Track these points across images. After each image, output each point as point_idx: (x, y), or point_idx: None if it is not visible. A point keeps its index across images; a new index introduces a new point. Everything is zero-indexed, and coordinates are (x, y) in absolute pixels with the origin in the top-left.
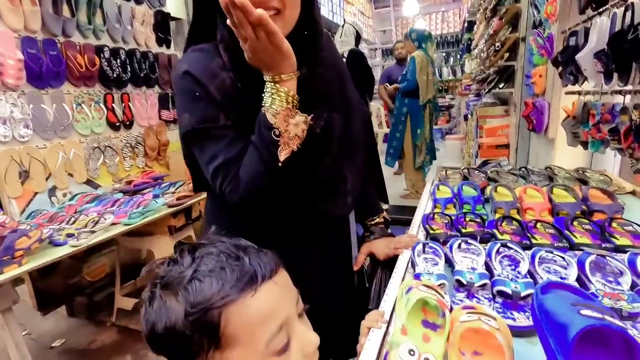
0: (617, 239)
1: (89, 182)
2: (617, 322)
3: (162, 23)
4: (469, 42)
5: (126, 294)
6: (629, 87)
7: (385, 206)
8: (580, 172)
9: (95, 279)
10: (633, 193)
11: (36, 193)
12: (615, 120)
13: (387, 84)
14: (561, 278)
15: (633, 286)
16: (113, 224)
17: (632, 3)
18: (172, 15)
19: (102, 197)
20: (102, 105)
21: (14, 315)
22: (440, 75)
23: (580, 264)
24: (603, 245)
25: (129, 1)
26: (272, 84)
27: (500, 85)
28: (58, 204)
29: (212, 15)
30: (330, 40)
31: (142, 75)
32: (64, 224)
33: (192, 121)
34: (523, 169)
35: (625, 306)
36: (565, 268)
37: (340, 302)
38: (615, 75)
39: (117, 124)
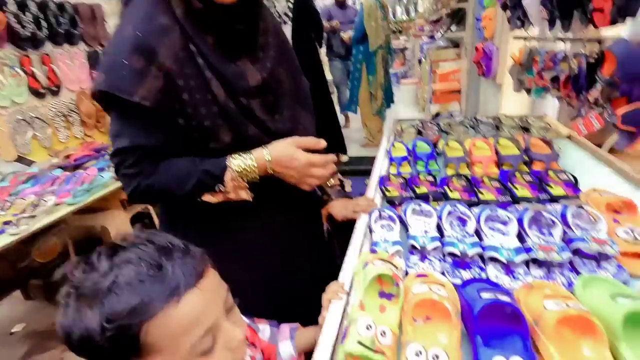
0: (552, 188)
1: (20, 160)
2: (506, 298)
3: None
4: None
5: None
6: (570, 35)
7: (344, 157)
8: (525, 120)
9: (47, 260)
10: (569, 137)
11: None
12: (556, 68)
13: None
14: (503, 234)
15: (565, 236)
16: (56, 204)
17: None
18: None
19: (38, 175)
20: (18, 69)
21: None
22: (394, 15)
23: (520, 221)
24: (540, 196)
25: None
26: (255, 162)
27: (453, 28)
28: None
29: None
30: (267, 9)
31: (62, 31)
32: None
33: (106, 84)
34: (473, 119)
35: (555, 257)
36: (507, 224)
37: (314, 261)
38: (558, 22)
39: (42, 90)
